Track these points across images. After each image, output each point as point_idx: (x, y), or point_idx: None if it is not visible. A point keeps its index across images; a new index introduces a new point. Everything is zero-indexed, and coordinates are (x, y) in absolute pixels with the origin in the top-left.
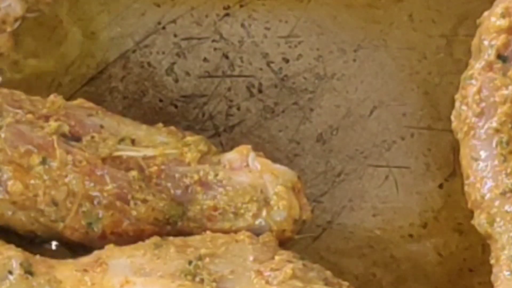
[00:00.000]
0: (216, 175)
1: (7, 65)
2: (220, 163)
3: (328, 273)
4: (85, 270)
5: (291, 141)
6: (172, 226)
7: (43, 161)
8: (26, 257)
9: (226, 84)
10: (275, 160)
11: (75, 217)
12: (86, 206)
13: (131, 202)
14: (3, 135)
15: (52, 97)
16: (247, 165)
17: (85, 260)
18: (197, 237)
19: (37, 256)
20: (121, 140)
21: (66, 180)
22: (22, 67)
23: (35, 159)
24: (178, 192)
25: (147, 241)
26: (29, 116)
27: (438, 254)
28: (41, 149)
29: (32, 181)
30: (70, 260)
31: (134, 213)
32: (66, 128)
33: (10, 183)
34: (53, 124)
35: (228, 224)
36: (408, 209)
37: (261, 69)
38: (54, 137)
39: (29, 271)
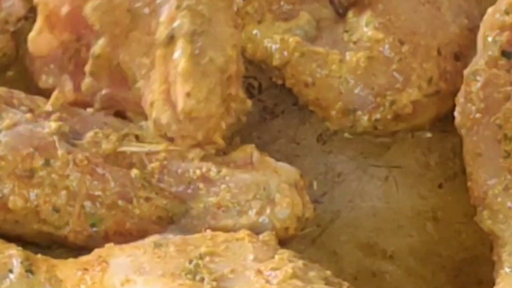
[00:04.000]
0: (219, 171)
1: (8, 64)
2: (224, 162)
3: (328, 273)
4: (86, 269)
5: (291, 141)
6: (175, 224)
7: (46, 163)
8: (26, 255)
9: None
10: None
11: (78, 219)
12: (88, 207)
13: (134, 200)
14: (3, 140)
15: (56, 93)
16: (251, 163)
17: (85, 259)
18: (197, 235)
19: (38, 255)
20: (125, 135)
21: (67, 181)
22: (22, 66)
23: (38, 161)
24: (181, 189)
25: (147, 240)
26: (28, 115)
27: (438, 254)
28: (42, 150)
29: (32, 192)
30: (70, 259)
31: (137, 211)
32: (66, 128)
33: (11, 199)
34: (53, 124)
35: (232, 222)
36: (408, 209)
37: (260, 70)
38: (55, 137)
39: (29, 270)
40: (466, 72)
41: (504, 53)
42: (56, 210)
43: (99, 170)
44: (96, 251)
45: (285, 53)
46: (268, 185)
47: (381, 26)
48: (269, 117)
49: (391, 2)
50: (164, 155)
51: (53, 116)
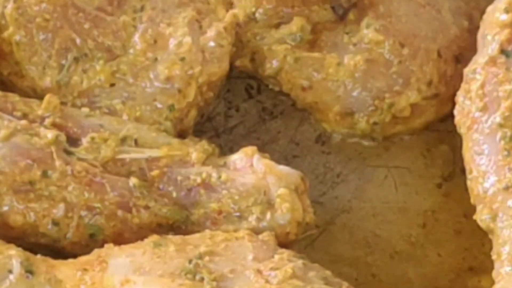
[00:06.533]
0: (220, 177)
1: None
2: (225, 164)
3: (328, 272)
4: (85, 269)
5: (290, 142)
6: (175, 231)
7: (44, 174)
8: (26, 256)
9: (225, 86)
10: (274, 161)
11: (77, 231)
12: (88, 217)
13: (133, 210)
14: (0, 153)
15: (48, 97)
16: (252, 166)
17: (85, 259)
18: (197, 235)
19: (38, 256)
20: (123, 139)
21: (65, 192)
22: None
23: (36, 173)
24: (181, 195)
25: (147, 240)
26: (24, 122)
27: (438, 254)
28: (40, 161)
29: (30, 207)
30: (70, 259)
31: (136, 221)
32: (63, 138)
33: (11, 216)
34: (50, 134)
35: (232, 227)
36: (407, 209)
37: None
38: (53, 148)
39: (29, 271)
40: (465, 70)
41: (503, 51)
42: (55, 223)
43: (97, 180)
44: (96, 251)
45: (275, 62)
46: (269, 190)
47: (381, 29)
48: (268, 118)
49: (392, 4)
50: (164, 161)
51: (48, 121)
